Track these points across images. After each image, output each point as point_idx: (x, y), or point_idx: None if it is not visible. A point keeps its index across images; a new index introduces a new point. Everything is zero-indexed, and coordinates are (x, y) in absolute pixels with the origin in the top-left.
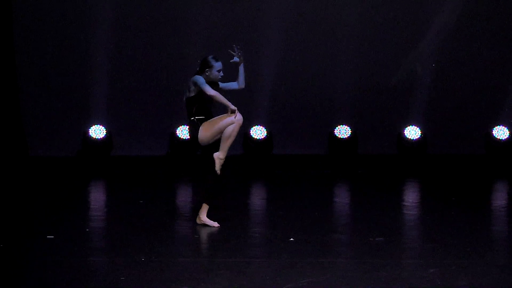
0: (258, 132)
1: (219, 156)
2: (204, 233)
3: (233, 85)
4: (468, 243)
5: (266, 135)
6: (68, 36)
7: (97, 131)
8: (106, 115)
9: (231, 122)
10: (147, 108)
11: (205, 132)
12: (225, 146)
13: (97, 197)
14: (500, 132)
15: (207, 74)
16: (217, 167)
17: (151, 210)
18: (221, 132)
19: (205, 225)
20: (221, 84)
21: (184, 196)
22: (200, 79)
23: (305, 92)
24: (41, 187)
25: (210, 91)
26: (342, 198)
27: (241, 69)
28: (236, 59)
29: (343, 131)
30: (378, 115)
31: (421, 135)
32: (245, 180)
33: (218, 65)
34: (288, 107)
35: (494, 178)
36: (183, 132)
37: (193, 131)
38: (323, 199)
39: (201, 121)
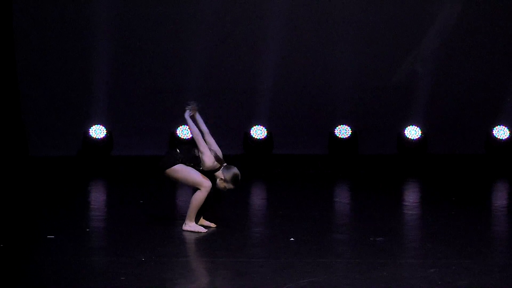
0: (258, 132)
1: (188, 226)
2: (204, 233)
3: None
4: (468, 243)
5: (266, 135)
6: (69, 36)
7: (97, 131)
8: (106, 115)
9: (200, 185)
10: (147, 108)
11: (175, 171)
12: (192, 213)
13: (97, 197)
14: (500, 132)
15: (221, 178)
16: (192, 229)
17: (151, 210)
18: (185, 182)
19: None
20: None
21: (184, 196)
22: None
23: (305, 92)
24: (41, 187)
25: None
26: (342, 198)
27: (199, 117)
28: (189, 113)
29: (343, 131)
30: (378, 115)
31: (421, 135)
32: (245, 180)
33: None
34: (289, 107)
35: (494, 178)
36: (183, 132)
37: (168, 162)
38: (323, 199)
39: (183, 160)
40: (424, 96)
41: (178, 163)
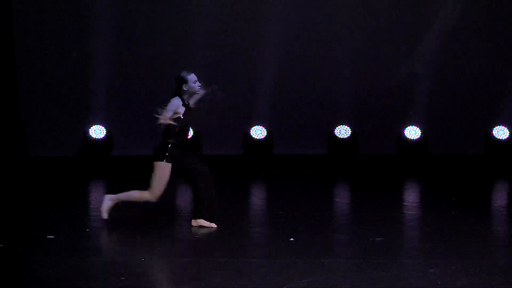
0: (258, 132)
1: (109, 198)
2: (204, 233)
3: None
4: (468, 243)
5: (266, 135)
6: (69, 36)
7: (97, 131)
8: (106, 115)
9: (153, 192)
10: (147, 108)
11: (159, 171)
12: (122, 197)
13: (97, 197)
14: (500, 132)
15: (185, 89)
16: (104, 207)
17: (151, 210)
18: (156, 182)
19: (203, 226)
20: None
21: (184, 196)
22: (173, 105)
23: (305, 92)
24: (41, 187)
25: (165, 120)
26: (342, 198)
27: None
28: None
29: (343, 131)
30: (378, 115)
31: (421, 135)
32: (245, 180)
33: (192, 77)
34: (288, 107)
35: (494, 178)
36: None
37: (160, 154)
38: (323, 199)
39: (174, 146)
40: (424, 96)
41: (167, 153)
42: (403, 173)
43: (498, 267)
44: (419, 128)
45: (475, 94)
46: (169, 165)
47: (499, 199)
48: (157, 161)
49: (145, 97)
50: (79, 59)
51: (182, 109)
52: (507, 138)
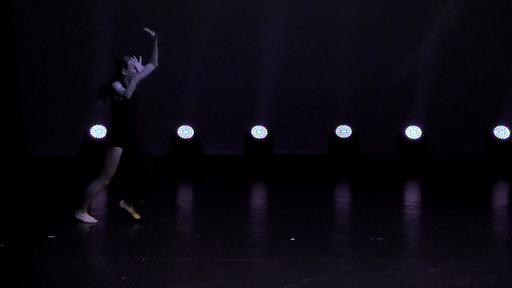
0: (258, 132)
1: (78, 214)
2: (205, 233)
3: (150, 68)
4: (469, 243)
5: (267, 135)
6: (69, 36)
7: (98, 131)
8: (107, 114)
9: (104, 174)
10: (148, 108)
11: (109, 155)
12: (85, 203)
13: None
14: (501, 132)
15: (124, 73)
16: (89, 220)
17: (152, 210)
18: (107, 165)
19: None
20: (140, 75)
21: (184, 196)
22: (117, 87)
23: (306, 92)
24: (42, 187)
25: (129, 94)
26: (342, 198)
27: (155, 47)
28: (152, 34)
29: (343, 131)
30: (379, 115)
31: (421, 135)
32: (246, 179)
33: (127, 62)
34: (289, 107)
35: (495, 178)
36: (184, 132)
37: (110, 139)
38: (323, 199)
39: (122, 130)
40: (424, 96)
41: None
42: (403, 173)
43: (498, 267)
44: (420, 128)
45: (475, 94)
46: (119, 148)
47: (499, 199)
48: (108, 146)
49: (146, 97)
50: (79, 59)
51: (122, 91)
52: (508, 138)
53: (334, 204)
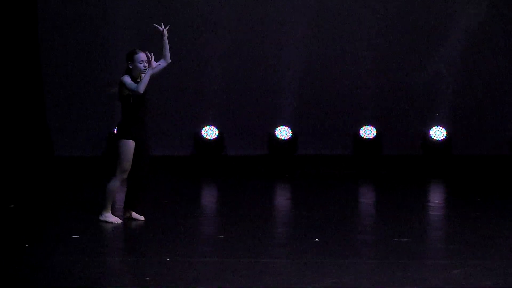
0: (283, 132)
1: (102, 215)
2: (228, 233)
3: (162, 64)
4: (493, 244)
5: (291, 136)
6: (92, 38)
7: None
8: None
9: (120, 169)
10: (171, 108)
11: (122, 149)
12: (108, 203)
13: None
14: None
15: (131, 67)
16: (114, 220)
17: (176, 211)
18: (122, 160)
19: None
20: (153, 70)
21: (208, 197)
22: (127, 81)
23: (330, 92)
24: (66, 187)
25: (141, 89)
26: (366, 198)
27: (166, 42)
28: (160, 28)
29: (368, 132)
30: (403, 116)
31: (446, 136)
32: (270, 180)
33: (138, 56)
34: (313, 108)
35: None
36: (207, 132)
37: (121, 133)
38: (347, 200)
39: (132, 124)
40: (449, 97)
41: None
42: (428, 174)
43: None
44: (444, 129)
45: (500, 95)
46: (132, 141)
47: None
48: (119, 139)
49: (169, 97)
50: (102, 61)
51: (129, 81)
52: None
53: (357, 204)
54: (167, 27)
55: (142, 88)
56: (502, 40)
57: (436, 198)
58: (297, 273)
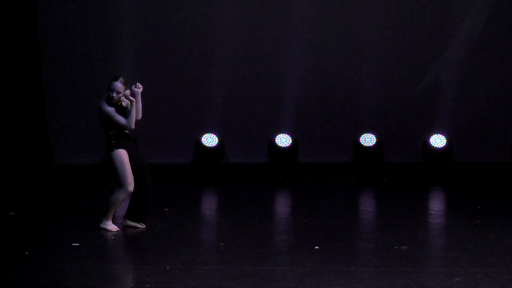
0: (283, 140)
1: (103, 223)
2: (228, 241)
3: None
4: (493, 252)
5: (291, 143)
6: (94, 44)
7: None
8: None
9: (124, 182)
10: (172, 115)
11: (116, 161)
12: (110, 212)
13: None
14: None
15: (108, 93)
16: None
17: (177, 218)
18: (121, 171)
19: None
20: (137, 105)
21: (209, 204)
22: (111, 113)
23: (330, 100)
24: (66, 195)
25: (132, 124)
26: (367, 206)
27: (132, 108)
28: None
29: (368, 139)
30: (403, 123)
31: (446, 143)
32: (270, 188)
33: (113, 85)
34: (313, 115)
35: None
36: (208, 140)
37: (109, 147)
38: (348, 207)
39: (116, 137)
40: (449, 104)
41: (114, 144)
42: (428, 181)
43: None
44: (445, 136)
45: (500, 103)
46: (122, 150)
47: None
48: (109, 153)
49: (170, 105)
50: (105, 66)
51: (110, 109)
52: None
53: (358, 212)
54: (139, 87)
55: (132, 123)
56: (502, 49)
57: (436, 205)
58: (297, 281)
